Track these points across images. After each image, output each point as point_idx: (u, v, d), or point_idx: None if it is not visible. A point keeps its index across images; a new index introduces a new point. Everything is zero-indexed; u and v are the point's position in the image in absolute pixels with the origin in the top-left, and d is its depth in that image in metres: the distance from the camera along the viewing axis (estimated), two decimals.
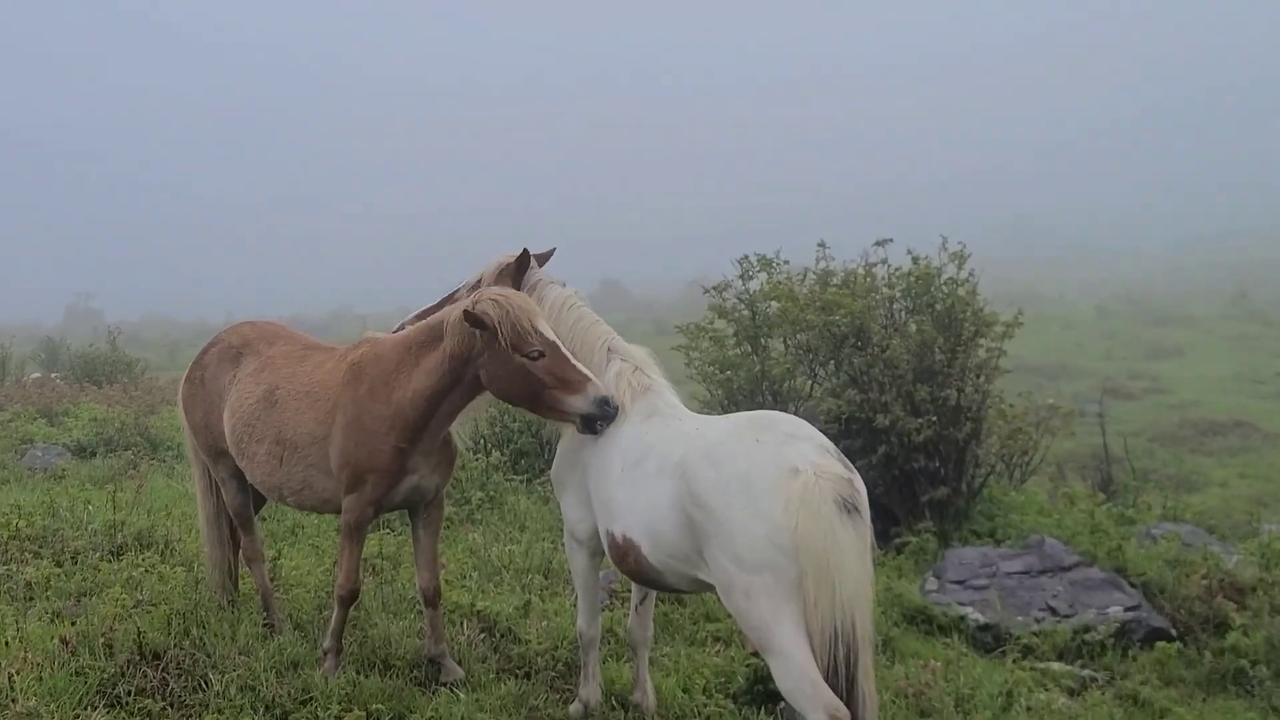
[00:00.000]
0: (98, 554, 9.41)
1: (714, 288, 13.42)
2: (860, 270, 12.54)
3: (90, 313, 76.13)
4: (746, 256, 13.30)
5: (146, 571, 8.88)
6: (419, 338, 6.89)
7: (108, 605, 7.79)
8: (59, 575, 8.86)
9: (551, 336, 6.46)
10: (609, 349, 6.79)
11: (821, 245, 13.07)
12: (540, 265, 7.31)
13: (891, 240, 12.33)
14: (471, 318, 6.40)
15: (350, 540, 7.09)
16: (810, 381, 12.87)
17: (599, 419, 6.34)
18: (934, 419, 11.21)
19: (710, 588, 5.86)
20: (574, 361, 6.42)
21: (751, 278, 13.17)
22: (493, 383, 6.55)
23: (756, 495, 5.50)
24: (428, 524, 7.37)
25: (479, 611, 8.29)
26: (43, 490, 12.77)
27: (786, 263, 13.28)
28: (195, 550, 9.26)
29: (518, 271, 7.08)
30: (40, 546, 9.53)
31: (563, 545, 7.52)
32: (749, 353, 12.92)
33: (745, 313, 13.01)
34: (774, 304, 12.86)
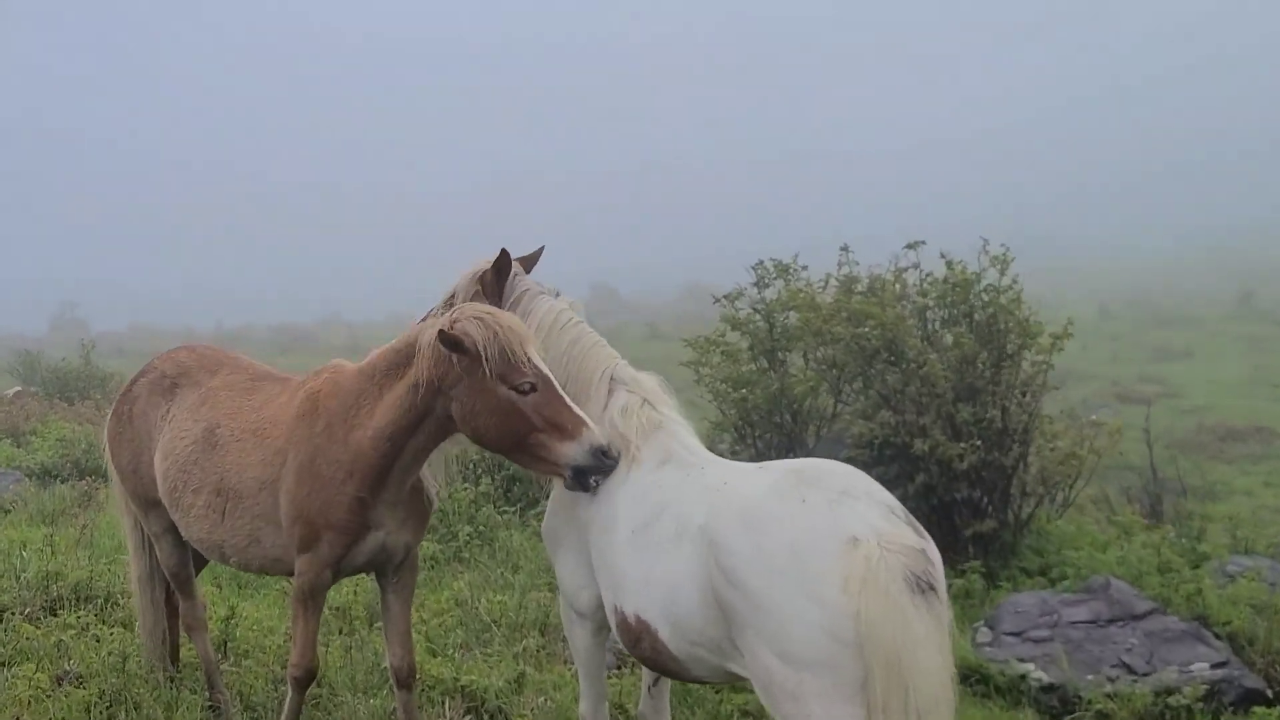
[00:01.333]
0: (27, 610, 8.20)
1: (725, 296, 12.17)
2: (889, 276, 11.29)
3: (76, 322, 74.84)
4: (761, 262, 12.05)
5: (79, 634, 7.68)
6: (383, 364, 5.66)
7: (21, 685, 6.57)
8: None
9: (545, 369, 5.25)
10: (612, 378, 5.55)
11: (844, 249, 11.83)
12: (527, 270, 6.06)
13: (924, 243, 11.07)
14: (449, 339, 5.18)
15: (304, 609, 5.86)
16: (834, 401, 11.62)
17: (593, 473, 5.14)
18: (978, 443, 9.95)
19: (747, 680, 4.63)
20: (568, 401, 5.21)
21: (767, 285, 11.92)
22: (468, 420, 5.32)
23: (806, 572, 4.31)
24: (398, 589, 6.15)
25: (463, 687, 7.03)
26: None
27: (805, 268, 12.04)
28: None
29: (497, 279, 5.84)
30: None
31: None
32: (766, 368, 11.67)
33: (761, 324, 11.75)
34: (793, 314, 11.61)
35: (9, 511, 12.59)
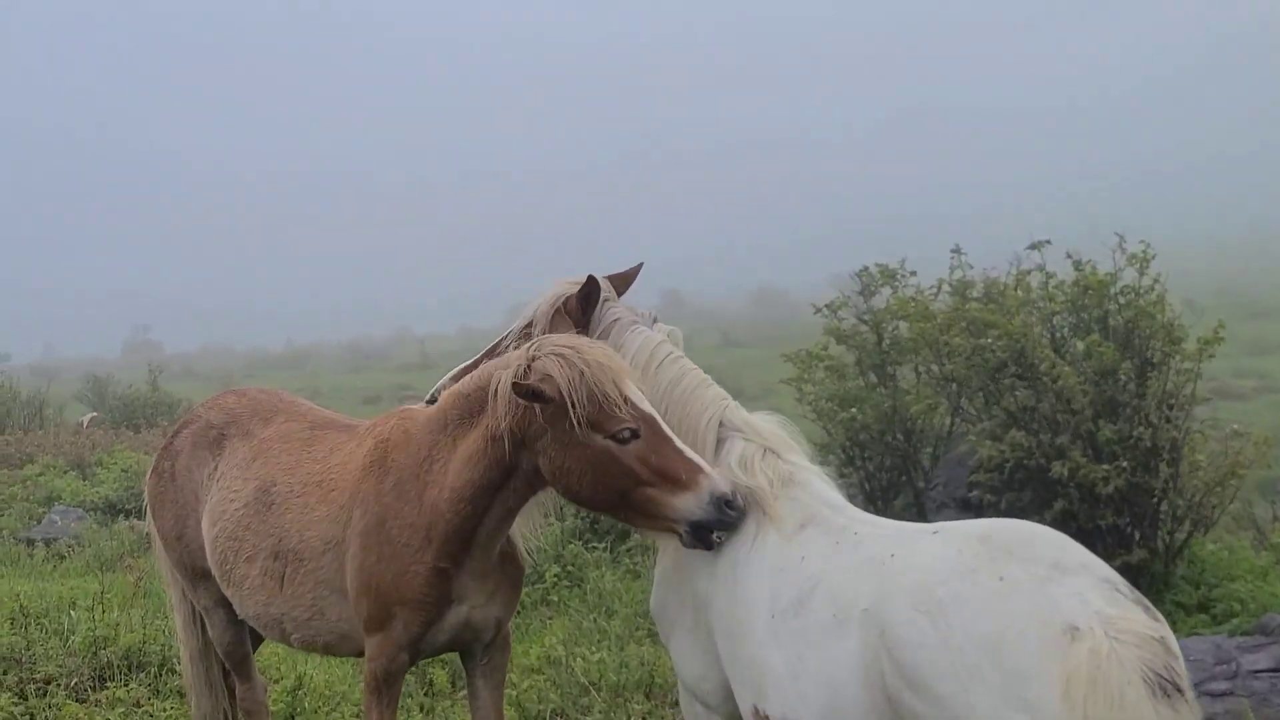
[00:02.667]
0: (74, 681, 7.39)
1: (827, 306, 11.15)
2: (1010, 279, 10.20)
3: (149, 344, 75.12)
4: (866, 268, 11.02)
5: (127, 712, 6.85)
6: (454, 412, 4.72)
7: None
8: (17, 718, 6.86)
9: (647, 407, 4.28)
10: (721, 423, 4.56)
11: (956, 251, 10.77)
12: (620, 293, 5.10)
13: (1049, 242, 9.95)
14: (525, 390, 4.23)
15: (378, 700, 4.94)
16: (951, 419, 10.56)
17: (715, 528, 4.17)
18: (1123, 464, 8.83)
19: None
20: (680, 444, 4.23)
21: (874, 293, 10.88)
22: (559, 476, 4.38)
23: (1012, 673, 3.34)
24: (488, 672, 5.21)
25: None
26: (35, 578, 10.86)
27: (913, 274, 10.99)
28: None
29: (583, 308, 4.87)
30: (5, 671, 7.52)
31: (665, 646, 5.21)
32: (875, 384, 10.63)
33: (869, 336, 10.70)
34: (902, 324, 10.57)
35: (64, 558, 11.88)
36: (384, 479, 4.82)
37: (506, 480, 4.57)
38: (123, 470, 17.50)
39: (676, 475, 4.16)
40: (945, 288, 10.68)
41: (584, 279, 4.86)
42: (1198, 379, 9.45)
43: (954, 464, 10.05)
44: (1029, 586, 3.45)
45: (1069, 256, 10.04)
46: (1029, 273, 10.09)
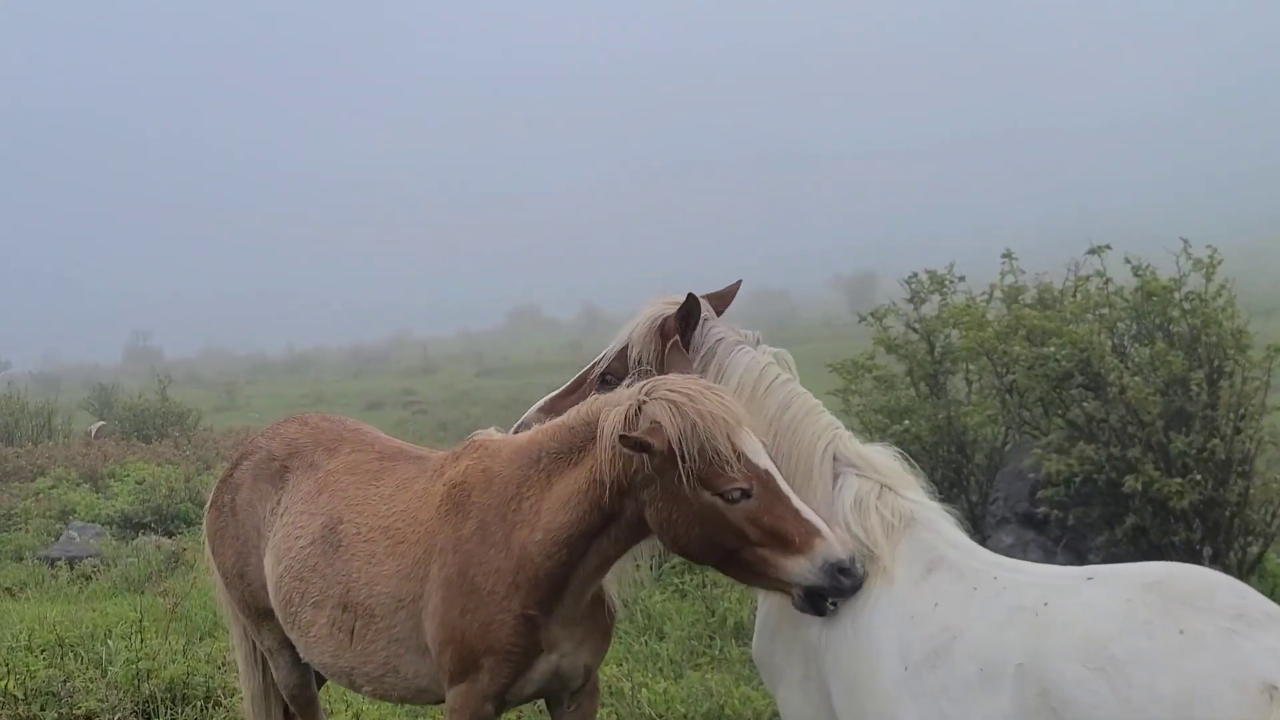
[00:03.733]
0: (116, 717, 7.08)
1: (872, 313, 10.82)
2: (1070, 285, 9.86)
3: (149, 351, 74.70)
4: (916, 274, 10.68)
5: None
6: (552, 446, 4.38)
7: None
8: None
9: (764, 462, 3.95)
10: (834, 455, 4.22)
11: (1008, 255, 10.43)
12: (719, 312, 4.76)
13: (1109, 247, 9.61)
14: (631, 441, 3.90)
15: None
16: (1005, 431, 10.21)
17: (831, 595, 3.86)
18: (1197, 477, 8.51)
19: None
20: (794, 502, 3.91)
21: (924, 300, 10.54)
22: (665, 528, 4.08)
23: None
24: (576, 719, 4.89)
25: None
26: (63, 601, 10.52)
27: (962, 279, 10.65)
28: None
29: (683, 329, 4.53)
30: (43, 707, 7.19)
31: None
32: (926, 395, 10.29)
33: (920, 345, 10.37)
34: (954, 332, 10.23)
35: (90, 578, 11.54)
36: (463, 524, 4.50)
37: (606, 526, 4.26)
38: (137, 483, 17.25)
39: (789, 538, 3.85)
40: (997, 294, 10.34)
41: (683, 297, 4.53)
42: (1268, 387, 9.13)
43: (1012, 477, 9.70)
44: (1215, 641, 3.14)
45: (1128, 261, 9.70)
46: (1087, 279, 9.76)
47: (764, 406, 4.35)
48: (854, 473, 4.16)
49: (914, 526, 4.02)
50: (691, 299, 4.52)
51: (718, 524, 3.93)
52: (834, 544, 3.83)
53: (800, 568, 3.83)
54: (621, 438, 3.95)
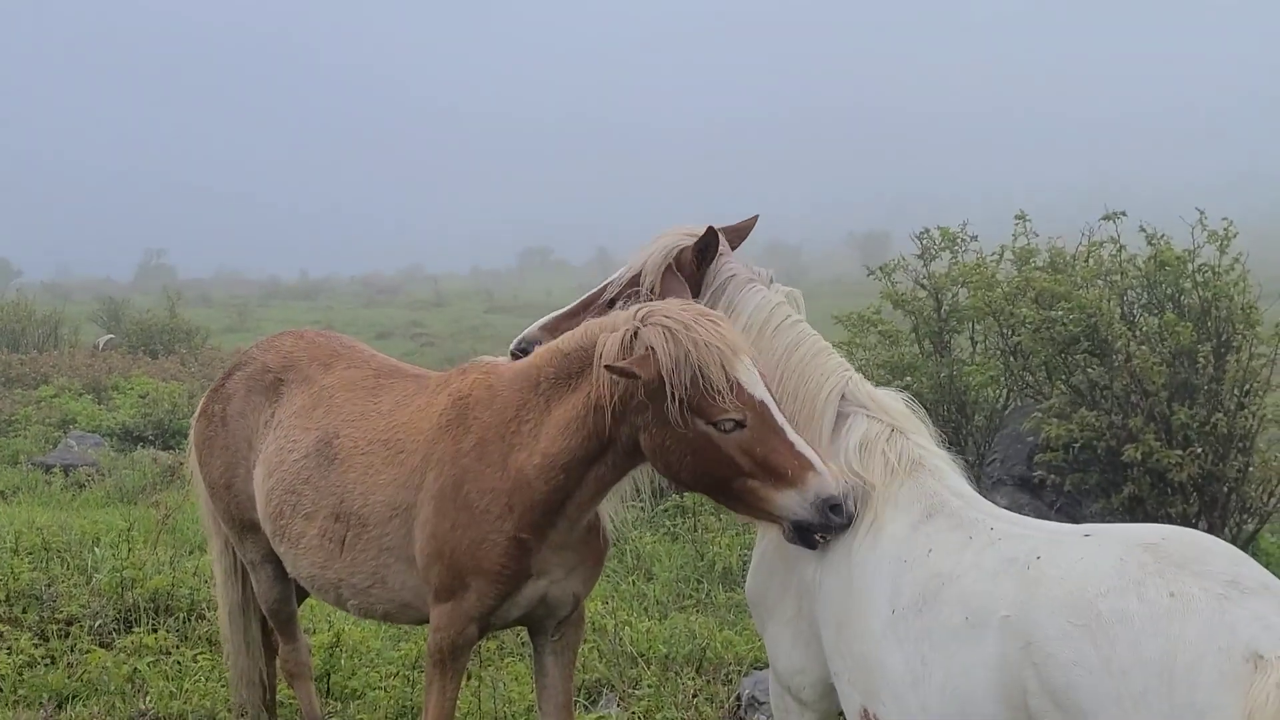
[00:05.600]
0: (98, 623, 7.08)
1: (880, 268, 10.72)
2: (1083, 250, 9.76)
3: (163, 269, 74.73)
4: (927, 230, 10.57)
5: (155, 660, 6.52)
6: (550, 370, 4.33)
7: None
8: (38, 660, 6.55)
9: (759, 392, 3.90)
10: (843, 397, 4.16)
11: (1020, 217, 10.31)
12: (734, 246, 4.69)
13: (1124, 214, 9.49)
14: (618, 370, 3.87)
15: (441, 673, 4.60)
16: (1007, 392, 10.16)
17: (819, 530, 3.82)
18: (1199, 450, 8.45)
19: None
20: (789, 435, 3.86)
21: (934, 257, 10.44)
22: (658, 455, 4.04)
23: (1185, 704, 2.97)
24: (559, 650, 4.87)
25: None
26: (54, 507, 10.54)
27: (974, 238, 10.54)
28: None
29: (699, 262, 4.47)
30: (25, 610, 7.19)
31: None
32: (930, 352, 10.22)
33: (928, 302, 10.28)
34: (962, 291, 10.14)
35: (84, 487, 11.55)
36: (463, 438, 4.46)
37: (603, 452, 4.23)
38: (140, 397, 17.22)
39: (782, 470, 3.82)
40: (1008, 255, 10.24)
41: (702, 229, 4.47)
42: (1274, 364, 9.07)
43: (1011, 440, 9.65)
44: (1205, 606, 3.09)
45: (1142, 230, 9.60)
46: (1100, 244, 9.66)
47: (773, 345, 4.30)
48: (864, 414, 4.13)
49: (919, 472, 3.99)
50: (710, 232, 4.46)
51: (710, 453, 3.90)
52: (827, 479, 3.80)
53: (791, 501, 3.81)
54: (607, 367, 3.91)
